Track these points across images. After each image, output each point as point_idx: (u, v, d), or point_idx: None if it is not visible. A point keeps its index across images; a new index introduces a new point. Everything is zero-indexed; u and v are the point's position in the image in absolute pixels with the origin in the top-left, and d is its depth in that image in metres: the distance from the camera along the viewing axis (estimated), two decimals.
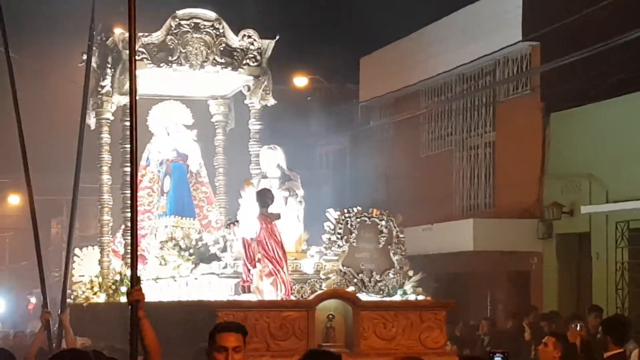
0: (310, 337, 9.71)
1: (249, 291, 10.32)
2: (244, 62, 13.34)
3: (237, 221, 10.71)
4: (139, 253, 13.32)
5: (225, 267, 11.31)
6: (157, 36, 12.97)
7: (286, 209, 10.96)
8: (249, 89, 13.79)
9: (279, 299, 10.11)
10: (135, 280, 6.15)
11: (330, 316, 9.98)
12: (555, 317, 14.63)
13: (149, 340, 6.02)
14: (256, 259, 10.30)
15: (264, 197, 10.47)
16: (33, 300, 36.31)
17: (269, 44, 13.48)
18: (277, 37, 13.49)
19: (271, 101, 13.75)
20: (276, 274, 10.17)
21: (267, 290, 10.19)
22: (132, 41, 6.28)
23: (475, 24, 20.81)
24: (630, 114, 16.81)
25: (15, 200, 40.73)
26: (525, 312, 16.18)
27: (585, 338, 12.63)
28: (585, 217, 17.74)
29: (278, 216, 10.50)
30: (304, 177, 12.52)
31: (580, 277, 18.47)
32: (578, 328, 13.21)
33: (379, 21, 24.06)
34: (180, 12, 13.04)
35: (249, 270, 10.34)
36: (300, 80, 18.62)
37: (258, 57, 13.42)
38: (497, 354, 6.54)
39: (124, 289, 12.75)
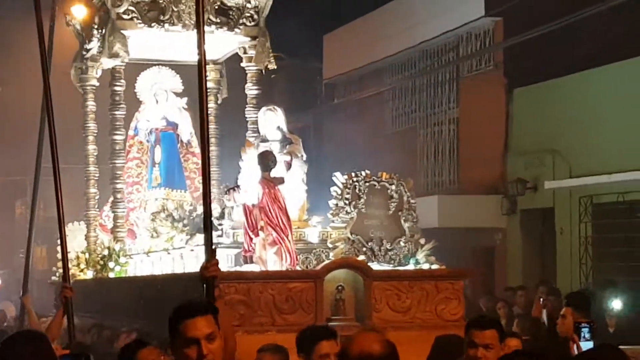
0: (319, 310, 9.21)
1: (252, 261, 9.77)
2: (240, 21, 12.81)
3: (238, 186, 10.16)
4: (127, 227, 13.18)
5: (221, 236, 10.73)
6: None
7: (289, 174, 10.40)
8: (244, 51, 13.26)
9: (284, 269, 9.60)
10: (210, 253, 5.35)
11: (340, 287, 9.43)
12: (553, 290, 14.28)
13: (223, 323, 4.76)
14: (259, 227, 9.76)
15: (266, 160, 9.93)
16: None
17: (266, 2, 12.95)
18: None
19: (272, 64, 13.23)
20: (280, 243, 9.65)
21: (271, 260, 9.67)
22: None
23: (438, 0, 20.82)
24: (593, 89, 16.82)
25: None
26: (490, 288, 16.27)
27: (550, 311, 12.80)
28: (548, 192, 17.81)
29: (282, 180, 9.97)
30: None
31: (544, 253, 18.54)
32: (541, 301, 13.41)
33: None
34: None
35: (251, 239, 9.80)
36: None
37: (255, 17, 12.91)
38: (584, 325, 6.25)
39: (112, 264, 12.60)
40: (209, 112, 14.63)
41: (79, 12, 14.52)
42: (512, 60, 19.06)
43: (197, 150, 14.43)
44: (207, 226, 5.41)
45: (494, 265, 19.20)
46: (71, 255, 13.86)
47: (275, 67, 13.43)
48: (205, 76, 5.75)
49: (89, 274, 13.44)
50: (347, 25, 24.63)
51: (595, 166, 16.61)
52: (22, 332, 5.10)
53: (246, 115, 13.50)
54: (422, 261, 10.42)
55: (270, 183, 9.76)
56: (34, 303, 11.35)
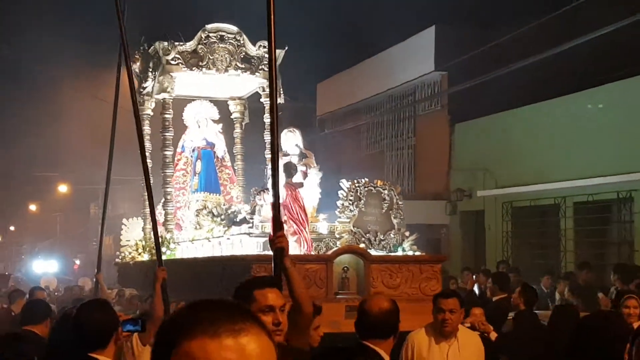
0: (329, 286, 8.90)
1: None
2: (260, 67, 12.48)
3: (267, 189, 9.61)
4: (175, 222, 12.93)
5: (252, 227, 10.34)
6: (190, 45, 12.27)
7: (307, 180, 10.03)
8: (263, 90, 12.87)
9: (302, 253, 9.31)
10: (278, 226, 4.78)
11: (345, 268, 9.12)
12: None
13: (297, 290, 4.44)
14: (282, 221, 9.40)
15: (289, 169, 9.70)
16: (78, 262, 36.10)
17: (280, 53, 12.46)
18: (286, 48, 12.57)
19: (281, 99, 12.59)
20: (300, 233, 9.41)
21: (292, 246, 8.90)
22: (271, 59, 5.17)
23: (400, 58, 20.81)
24: (513, 124, 16.93)
25: (63, 189, 40.41)
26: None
27: (481, 285, 12.85)
28: (480, 199, 17.84)
29: (301, 185, 9.71)
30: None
31: (477, 243, 18.56)
32: (474, 278, 13.47)
33: (330, 57, 24.12)
34: (209, 26, 12.30)
35: None
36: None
37: None
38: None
39: (164, 249, 12.54)
40: (235, 135, 14.35)
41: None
42: (454, 103, 19.06)
43: (229, 164, 14.25)
44: (276, 204, 4.88)
45: (441, 252, 19.25)
46: (131, 243, 14.01)
47: (283, 102, 12.77)
48: (277, 114, 5.22)
49: (145, 257, 13.22)
50: (334, 76, 24.67)
51: (514, 180, 16.66)
52: (93, 300, 4.96)
53: (265, 138, 13.15)
54: (407, 249, 10.25)
55: (292, 187, 9.57)
56: (104, 279, 11.39)
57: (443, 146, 19.27)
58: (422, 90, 20.54)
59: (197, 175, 13.66)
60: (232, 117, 14.69)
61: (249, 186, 13.84)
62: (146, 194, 13.59)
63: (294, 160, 10.14)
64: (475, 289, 12.77)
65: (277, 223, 4.70)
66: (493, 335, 7.71)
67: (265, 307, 3.57)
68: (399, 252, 10.03)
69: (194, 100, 14.11)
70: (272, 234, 4.70)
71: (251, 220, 10.54)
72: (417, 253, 10.18)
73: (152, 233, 13.17)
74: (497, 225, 17.40)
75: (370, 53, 22.43)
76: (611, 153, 14.23)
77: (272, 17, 4.57)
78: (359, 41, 22.72)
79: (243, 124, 14.60)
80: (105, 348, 3.99)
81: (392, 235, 10.19)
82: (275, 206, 4.78)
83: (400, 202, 10.31)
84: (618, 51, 14.75)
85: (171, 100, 12.58)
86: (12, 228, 50.79)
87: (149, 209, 13.36)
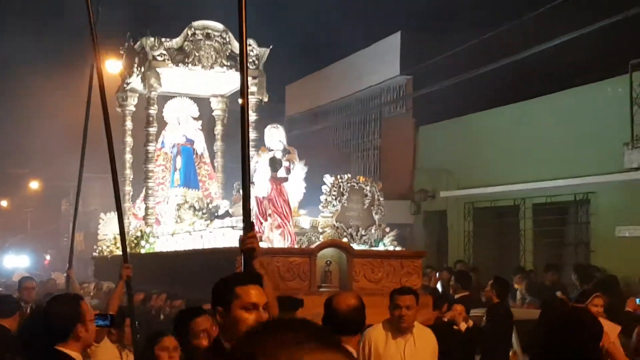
0: (312, 279, 8.73)
1: (261, 240, 8.69)
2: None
3: (252, 182, 9.33)
4: (154, 216, 12.46)
5: (232, 219, 10.19)
6: (176, 42, 12.13)
7: (292, 175, 9.81)
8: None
9: (286, 247, 9.14)
10: (248, 227, 4.39)
11: (328, 262, 8.93)
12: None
13: (267, 291, 3.81)
14: (267, 214, 9.28)
15: (275, 163, 9.53)
16: (48, 257, 35.72)
17: (264, 52, 12.52)
18: (271, 47, 12.52)
19: (265, 97, 12.78)
20: (284, 227, 9.23)
21: (276, 239, 9.22)
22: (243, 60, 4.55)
23: (367, 62, 20.85)
24: (476, 128, 17.06)
25: (34, 185, 39.97)
26: None
27: (443, 283, 12.90)
28: (443, 199, 17.90)
29: (286, 179, 9.53)
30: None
31: (440, 241, 18.59)
32: (437, 276, 13.58)
33: (299, 59, 24.13)
34: (195, 23, 12.18)
35: (261, 223, 9.25)
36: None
37: (256, 62, 12.43)
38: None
39: (143, 242, 12.17)
40: (216, 132, 14.17)
41: (115, 67, 14.53)
42: (419, 106, 19.16)
43: (207, 160, 14.17)
44: (245, 205, 4.44)
45: None
46: (109, 237, 13.94)
47: (266, 100, 13.01)
48: (248, 117, 4.59)
49: None
50: (303, 79, 24.68)
51: (475, 182, 16.75)
52: (63, 294, 4.81)
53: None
54: (388, 244, 10.10)
55: (277, 181, 9.42)
56: (75, 274, 11.37)
57: (408, 148, 19.29)
58: (388, 93, 20.60)
59: (177, 170, 13.58)
60: (213, 114, 14.52)
61: (228, 182, 13.78)
62: (127, 187, 13.57)
63: (278, 155, 9.97)
64: (439, 286, 12.84)
65: (248, 223, 4.42)
66: (463, 326, 7.71)
67: (248, 305, 3.34)
68: (380, 247, 9.88)
69: (174, 97, 13.94)
70: (242, 234, 4.38)
71: (233, 214, 10.39)
72: (398, 248, 10.06)
73: (129, 227, 13.20)
74: (459, 225, 17.50)
75: (338, 57, 22.45)
76: (569, 156, 14.40)
77: (243, 17, 4.37)
78: (327, 45, 22.74)
79: (224, 121, 14.51)
80: (68, 341, 3.99)
81: (373, 231, 10.06)
82: (245, 206, 4.46)
83: (381, 199, 10.19)
84: (578, 58, 14.96)
85: (156, 96, 12.45)
86: None
87: (123, 204, 13.21)
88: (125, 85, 13.30)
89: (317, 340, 1.28)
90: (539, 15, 15.05)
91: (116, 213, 13.79)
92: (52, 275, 19.94)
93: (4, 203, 45.98)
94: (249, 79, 12.45)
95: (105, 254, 13.87)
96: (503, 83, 16.19)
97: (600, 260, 13.46)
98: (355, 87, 21.36)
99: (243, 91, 4.52)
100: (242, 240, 4.28)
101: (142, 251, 12.06)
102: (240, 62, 4.49)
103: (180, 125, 13.89)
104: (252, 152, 12.08)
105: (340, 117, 22.85)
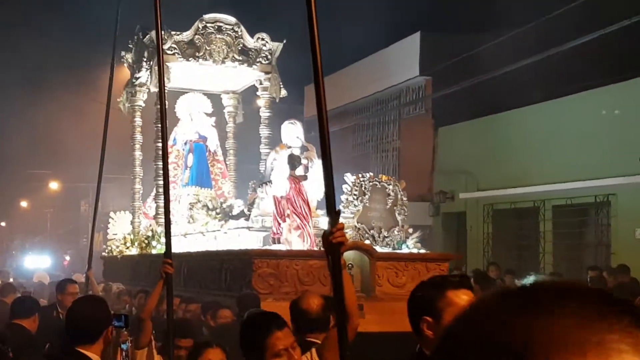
0: None
1: (279, 242, 8.81)
2: (257, 60, 11.92)
3: (270, 181, 9.09)
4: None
5: (248, 220, 9.80)
6: (186, 35, 11.70)
7: (312, 173, 9.25)
8: (260, 83, 12.32)
9: (305, 249, 8.71)
10: (336, 220, 3.50)
11: (350, 265, 8.38)
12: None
13: (349, 298, 3.49)
14: (285, 214, 8.86)
15: (294, 160, 9.10)
16: (68, 258, 35.97)
17: (277, 46, 12.09)
18: (285, 41, 12.09)
19: (282, 92, 12.32)
20: (303, 228, 8.81)
21: (295, 241, 8.80)
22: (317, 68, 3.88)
23: (386, 63, 20.82)
24: (494, 129, 17.05)
25: (54, 186, 40.24)
26: None
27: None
28: (462, 201, 17.91)
29: (305, 177, 9.07)
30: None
31: (458, 243, 18.60)
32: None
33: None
34: (206, 16, 11.76)
35: (279, 224, 8.86)
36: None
37: (269, 57, 12.05)
38: None
39: (154, 243, 11.80)
40: (228, 130, 13.69)
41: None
42: (438, 107, 19.13)
43: (221, 158, 13.75)
44: (330, 195, 3.54)
45: None
46: (119, 236, 13.55)
47: (284, 95, 12.52)
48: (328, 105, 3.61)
49: (134, 251, 12.76)
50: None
51: (494, 183, 16.76)
52: (86, 297, 4.72)
53: (260, 132, 12.56)
54: (411, 247, 9.66)
55: (296, 179, 8.98)
56: (94, 274, 11.31)
57: (427, 149, 19.29)
58: (407, 94, 20.58)
59: (188, 168, 13.17)
60: (225, 111, 14.07)
61: (241, 181, 13.49)
62: (137, 185, 13.22)
63: (295, 152, 9.49)
64: None
65: (333, 215, 3.52)
66: None
67: (280, 351, 3.27)
68: (404, 250, 9.40)
69: (186, 92, 13.53)
70: (330, 226, 3.52)
71: (249, 214, 10.01)
72: (422, 251, 9.56)
73: (139, 227, 12.92)
74: (478, 226, 17.47)
75: (357, 57, 22.42)
76: (589, 158, 14.33)
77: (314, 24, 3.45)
78: (346, 45, 22.75)
79: (236, 120, 14.08)
80: (94, 344, 3.95)
81: (395, 232, 9.58)
82: (330, 195, 3.56)
83: (404, 198, 9.69)
84: (599, 58, 14.87)
85: (166, 91, 12.25)
86: (2, 224, 50.53)
87: (134, 202, 12.97)
88: (134, 81, 12.91)
89: (626, 313, 0.74)
90: (559, 15, 14.97)
91: (134, 210, 13.35)
92: (72, 276, 20.03)
93: (24, 204, 46.38)
94: (261, 74, 12.16)
95: (115, 253, 13.48)
96: (522, 84, 16.11)
97: (621, 262, 13.36)
98: (375, 87, 21.36)
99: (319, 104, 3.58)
100: (329, 233, 3.42)
101: (154, 252, 11.73)
102: (314, 75, 3.48)
103: (193, 121, 13.45)
104: (267, 149, 12.11)
105: (359, 118, 22.85)
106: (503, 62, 15.72)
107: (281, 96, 12.38)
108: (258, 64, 11.96)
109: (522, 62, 15.22)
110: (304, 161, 9.36)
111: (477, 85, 16.48)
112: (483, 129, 17.35)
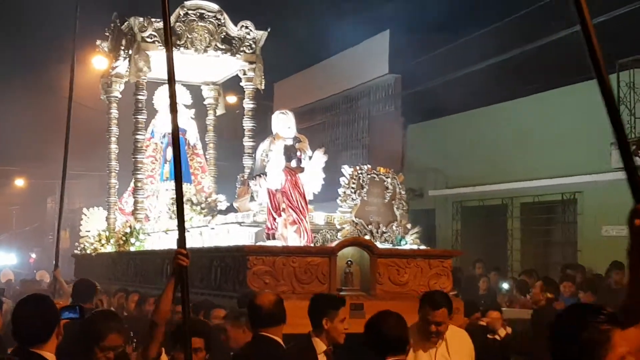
0: (332, 281, 7.80)
1: (274, 238, 8.36)
2: (241, 49, 11.53)
3: (264, 174, 8.58)
4: (144, 213, 11.70)
5: (237, 215, 9.39)
6: None
7: (310, 164, 8.77)
8: (244, 73, 11.92)
9: (302, 245, 8.24)
10: (181, 239, 4.33)
11: (349, 262, 8.00)
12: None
13: (167, 306, 4.35)
14: (281, 209, 8.40)
15: (289, 152, 8.56)
16: (33, 255, 35.56)
17: (262, 35, 11.69)
18: (269, 29, 11.72)
19: (262, 84, 11.94)
20: (299, 223, 8.31)
21: (291, 237, 8.32)
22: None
23: (356, 61, 20.84)
24: (463, 127, 17.16)
25: (20, 182, 39.74)
26: None
27: None
28: (431, 198, 17.99)
29: (302, 169, 8.57)
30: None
31: (428, 241, 18.67)
32: None
33: (287, 57, 24.09)
34: (187, 3, 11.30)
35: (274, 219, 8.39)
36: (231, 99, 18.49)
37: (253, 46, 11.64)
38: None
39: (133, 240, 11.42)
40: (208, 122, 13.36)
41: (100, 63, 13.67)
42: (407, 105, 19.21)
43: (200, 152, 13.37)
44: (180, 210, 4.15)
45: None
46: (92, 233, 13.08)
47: (263, 87, 12.08)
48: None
49: (109, 248, 12.36)
50: (291, 77, 24.67)
51: (463, 181, 16.87)
52: (29, 296, 4.32)
53: (244, 125, 12.20)
54: (411, 243, 9.16)
55: (292, 171, 8.47)
56: (61, 272, 10.88)
57: (396, 146, 19.34)
58: (377, 92, 20.61)
59: (167, 162, 12.80)
60: (205, 102, 13.71)
61: (221, 176, 13.23)
62: (113, 180, 12.91)
63: (288, 143, 8.90)
64: None
65: (181, 239, 4.25)
66: (502, 333, 7.47)
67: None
68: (406, 246, 8.98)
69: (164, 83, 13.37)
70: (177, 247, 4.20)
71: (238, 208, 9.70)
72: (422, 247, 9.12)
73: (116, 223, 12.55)
74: (447, 224, 17.56)
75: (326, 55, 22.41)
76: (557, 156, 14.48)
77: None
78: (316, 43, 22.75)
79: (217, 112, 13.72)
80: (47, 342, 3.88)
81: (394, 228, 9.11)
82: (179, 210, 4.16)
83: (402, 192, 9.28)
84: (564, 57, 15.02)
85: (145, 81, 11.66)
86: None
87: (109, 197, 12.63)
88: (110, 70, 12.48)
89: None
90: (526, 14, 15.12)
91: (109, 206, 12.98)
92: (36, 275, 19.76)
93: None
94: (244, 64, 11.80)
95: (89, 251, 13.06)
96: (491, 82, 16.25)
97: (587, 260, 13.55)
98: (344, 85, 21.36)
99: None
100: (174, 256, 4.06)
101: (132, 249, 11.37)
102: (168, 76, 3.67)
103: None
104: (251, 142, 11.80)
105: (328, 115, 22.82)
106: (471, 61, 15.84)
107: (262, 87, 12.03)
108: (242, 53, 11.63)
109: (489, 61, 15.34)
110: (297, 153, 8.82)
111: (446, 83, 16.56)
112: (452, 126, 17.45)
